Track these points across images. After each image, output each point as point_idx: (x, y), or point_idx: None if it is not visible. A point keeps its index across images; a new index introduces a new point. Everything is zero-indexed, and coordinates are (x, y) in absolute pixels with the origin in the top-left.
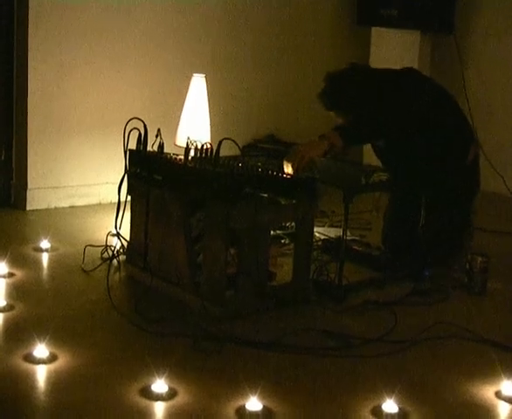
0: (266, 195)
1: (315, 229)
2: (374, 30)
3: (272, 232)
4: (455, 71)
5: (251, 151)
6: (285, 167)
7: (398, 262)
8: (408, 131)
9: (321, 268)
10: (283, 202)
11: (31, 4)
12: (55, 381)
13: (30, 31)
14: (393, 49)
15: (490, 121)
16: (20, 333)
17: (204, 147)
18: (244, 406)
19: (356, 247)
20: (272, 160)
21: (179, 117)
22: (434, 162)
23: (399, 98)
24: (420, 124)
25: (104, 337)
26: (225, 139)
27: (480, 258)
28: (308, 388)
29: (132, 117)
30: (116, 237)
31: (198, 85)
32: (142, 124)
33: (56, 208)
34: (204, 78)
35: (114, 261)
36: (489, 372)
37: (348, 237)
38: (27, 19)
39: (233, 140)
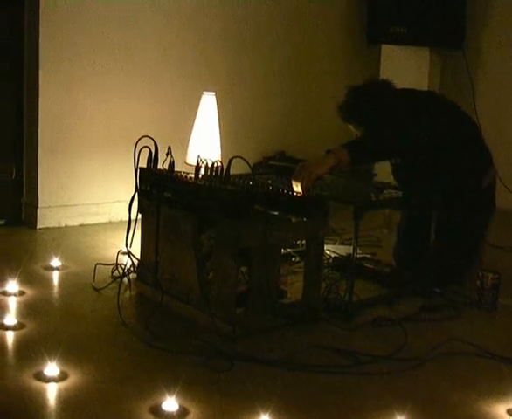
0: (276, 212)
1: (326, 246)
2: (384, 47)
3: (282, 250)
4: (465, 86)
5: (261, 169)
6: (293, 185)
7: (409, 279)
8: (422, 153)
9: (331, 286)
10: (294, 220)
11: (41, 22)
12: (66, 400)
13: (40, 49)
14: (403, 66)
15: (501, 136)
16: (31, 351)
17: (215, 165)
18: None
19: (366, 264)
20: (282, 177)
21: (189, 135)
22: (449, 183)
23: (415, 123)
24: (436, 146)
25: (115, 355)
26: (236, 157)
27: (490, 275)
28: (319, 405)
29: (142, 135)
30: (127, 255)
31: (209, 104)
32: (153, 142)
33: (66, 226)
34: (214, 97)
35: (125, 279)
36: (501, 389)
37: (358, 255)
38: (38, 37)
39: (244, 159)
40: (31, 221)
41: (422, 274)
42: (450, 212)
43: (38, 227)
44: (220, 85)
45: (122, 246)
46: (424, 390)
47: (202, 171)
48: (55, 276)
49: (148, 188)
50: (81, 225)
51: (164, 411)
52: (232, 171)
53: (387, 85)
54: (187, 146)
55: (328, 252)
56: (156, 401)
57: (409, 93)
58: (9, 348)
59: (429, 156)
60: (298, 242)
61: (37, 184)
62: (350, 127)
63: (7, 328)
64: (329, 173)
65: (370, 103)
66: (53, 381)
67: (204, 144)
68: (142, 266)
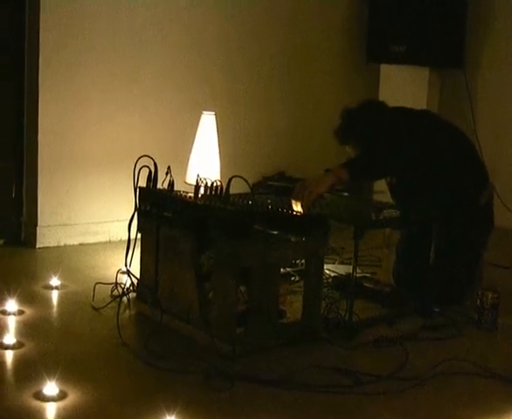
0: (276, 232)
1: (325, 266)
2: (383, 66)
3: (282, 269)
4: (464, 106)
5: (261, 188)
6: (293, 205)
7: (409, 298)
8: (419, 167)
9: (331, 305)
10: (293, 240)
11: (41, 41)
12: None
13: (40, 68)
14: (402, 85)
15: (500, 156)
16: (30, 370)
17: (214, 184)
18: None
19: (366, 284)
20: (282, 197)
21: (189, 155)
22: (448, 199)
23: (412, 138)
24: (434, 162)
25: (114, 374)
26: (235, 176)
27: (490, 294)
28: None
29: (142, 154)
30: (126, 275)
31: (208, 123)
32: (152, 162)
33: (66, 245)
34: (213, 116)
35: (124, 298)
36: (502, 409)
37: (358, 274)
38: (38, 55)
39: (243, 178)
40: (31, 240)
41: (422, 293)
42: (449, 228)
43: (38, 246)
44: (220, 105)
45: (122, 265)
46: (424, 410)
47: (201, 191)
48: (54, 295)
49: (148, 208)
50: (81, 244)
51: None
52: (232, 191)
53: (380, 104)
54: (187, 165)
55: (327, 272)
56: None
57: (404, 110)
58: (8, 367)
59: (427, 172)
60: (297, 261)
61: (36, 203)
62: (348, 149)
63: (6, 347)
64: (328, 192)
65: (364, 122)
66: (52, 400)
67: (204, 163)
68: (142, 286)
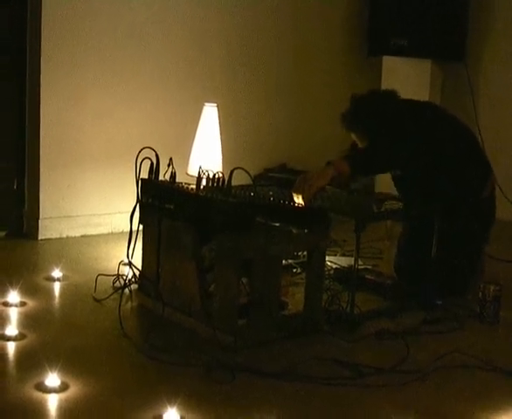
0: (277, 224)
1: (327, 258)
2: (385, 59)
3: (283, 261)
4: (466, 98)
5: (262, 180)
6: (294, 197)
7: (410, 291)
8: (422, 158)
9: (332, 297)
10: (295, 232)
11: (44, 35)
12: (66, 410)
13: (42, 62)
14: (404, 78)
15: (502, 148)
16: (32, 361)
17: (216, 176)
18: None
19: (368, 276)
20: (283, 189)
21: (191, 146)
22: (450, 194)
23: (415, 129)
24: (436, 153)
25: (115, 366)
26: (237, 168)
27: (492, 287)
28: (321, 417)
29: (144, 146)
30: (128, 266)
31: (210, 115)
32: (154, 153)
33: (68, 237)
34: (215, 108)
35: (126, 290)
36: (503, 402)
37: (360, 266)
38: (40, 50)
39: (245, 170)
40: (33, 232)
41: (424, 286)
42: (451, 221)
43: (40, 238)
44: (221, 98)
45: (124, 257)
46: (426, 403)
47: (203, 182)
48: (56, 287)
49: (150, 200)
50: (83, 236)
51: None
52: (234, 182)
53: (389, 94)
54: (188, 157)
55: (329, 264)
56: (158, 412)
57: (408, 102)
58: (10, 359)
59: (429, 163)
60: (299, 253)
61: (38, 195)
62: (353, 136)
63: (8, 339)
64: (329, 184)
65: (367, 114)
66: (54, 391)
67: (206, 155)
68: (144, 277)
